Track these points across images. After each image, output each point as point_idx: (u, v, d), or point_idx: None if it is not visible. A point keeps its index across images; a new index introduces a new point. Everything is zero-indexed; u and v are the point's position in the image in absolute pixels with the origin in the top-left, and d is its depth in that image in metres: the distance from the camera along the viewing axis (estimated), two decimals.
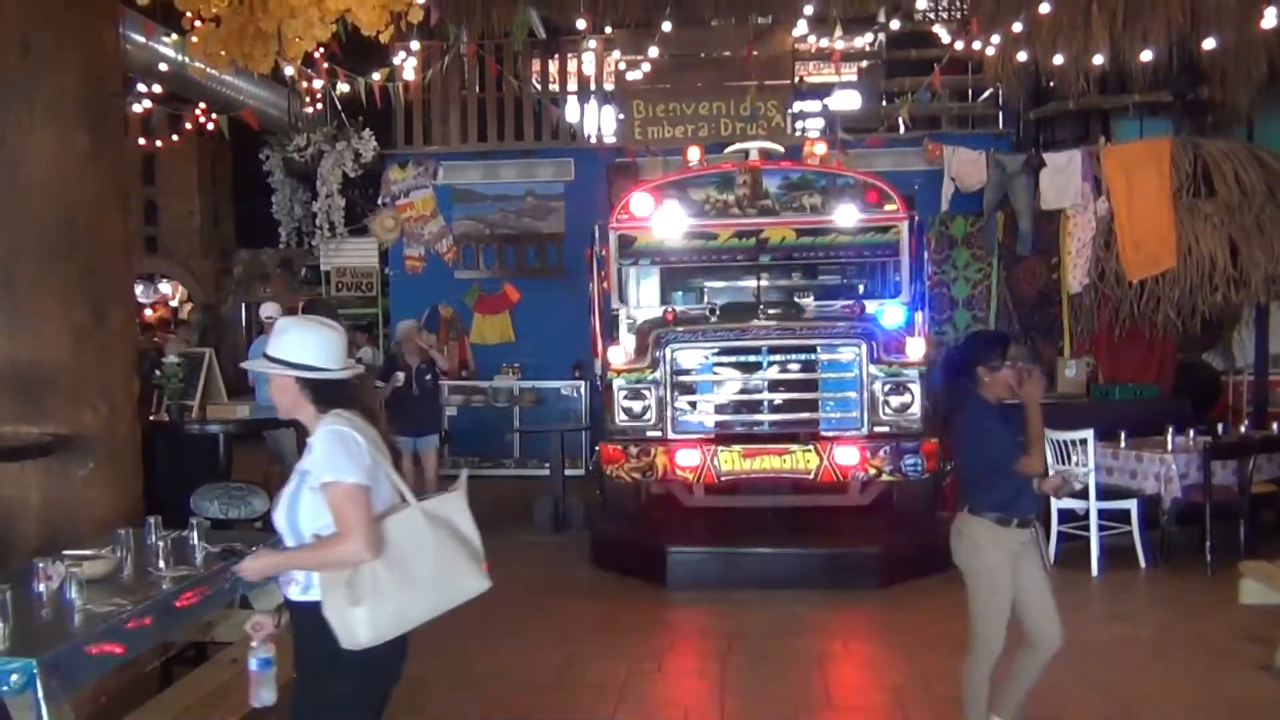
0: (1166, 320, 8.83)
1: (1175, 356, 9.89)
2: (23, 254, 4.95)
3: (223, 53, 5.85)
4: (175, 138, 12.71)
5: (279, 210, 12.39)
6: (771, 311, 7.64)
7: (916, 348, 7.17)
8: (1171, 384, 9.69)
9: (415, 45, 9.68)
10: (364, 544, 2.69)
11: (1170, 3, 9.01)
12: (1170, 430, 7.37)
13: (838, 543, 7.15)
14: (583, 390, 11.27)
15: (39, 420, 4.92)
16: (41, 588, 3.39)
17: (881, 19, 11.77)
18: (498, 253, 12.22)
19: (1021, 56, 9.56)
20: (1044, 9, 8.50)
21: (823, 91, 12.81)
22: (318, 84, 10.18)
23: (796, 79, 12.49)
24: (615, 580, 7.24)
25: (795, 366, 7.14)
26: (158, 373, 7.14)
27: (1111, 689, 4.97)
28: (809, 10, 9.62)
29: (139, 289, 19.15)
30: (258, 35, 5.69)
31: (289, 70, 8.66)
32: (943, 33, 12.00)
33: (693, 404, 7.19)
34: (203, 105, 10.95)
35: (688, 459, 7.03)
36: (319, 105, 11.36)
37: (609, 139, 12.42)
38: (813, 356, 7.10)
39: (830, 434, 7.03)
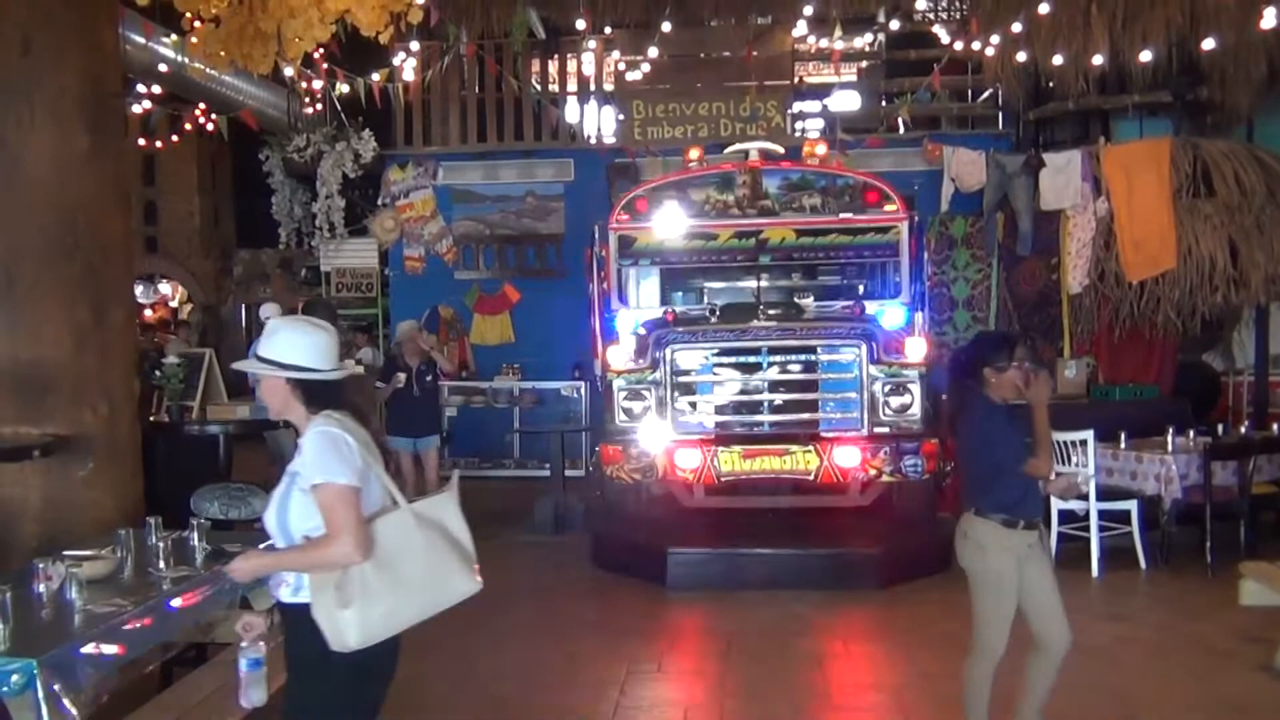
0: (1166, 321, 8.83)
1: (1175, 357, 9.89)
2: (23, 254, 4.96)
3: (222, 53, 5.87)
4: (175, 138, 12.66)
5: (279, 211, 12.39)
6: (771, 312, 7.64)
7: (916, 348, 7.17)
8: (1172, 385, 9.68)
9: (415, 46, 9.67)
10: (353, 545, 2.67)
11: (1170, 3, 9.01)
12: (1170, 431, 7.36)
13: (838, 543, 7.15)
14: (583, 391, 11.27)
15: (39, 420, 4.93)
16: (42, 588, 3.40)
17: (881, 19, 11.77)
18: (497, 253, 12.22)
19: (1021, 57, 9.56)
20: (1043, 9, 8.49)
21: (822, 92, 12.81)
22: (317, 84, 10.17)
23: (796, 79, 12.50)
24: (615, 580, 7.24)
25: (795, 367, 7.14)
26: (158, 373, 7.13)
27: (1112, 689, 4.97)
28: (808, 11, 9.61)
29: (139, 289, 19.15)
30: (257, 36, 5.71)
31: (289, 71, 8.66)
32: (942, 33, 12.02)
33: (693, 404, 7.19)
34: (202, 106, 10.94)
35: (687, 459, 7.03)
36: (319, 106, 11.36)
37: (609, 139, 12.42)
38: (813, 357, 7.10)
39: (830, 435, 7.03)
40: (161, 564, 3.73)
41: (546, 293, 11.71)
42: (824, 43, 12.27)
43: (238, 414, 7.34)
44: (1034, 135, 11.77)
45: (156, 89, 10.59)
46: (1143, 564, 7.17)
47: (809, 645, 5.81)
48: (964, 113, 12.23)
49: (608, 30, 11.72)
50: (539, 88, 12.27)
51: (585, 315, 8.78)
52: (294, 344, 2.88)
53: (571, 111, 12.45)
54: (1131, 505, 7.17)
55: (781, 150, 8.62)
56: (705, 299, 8.53)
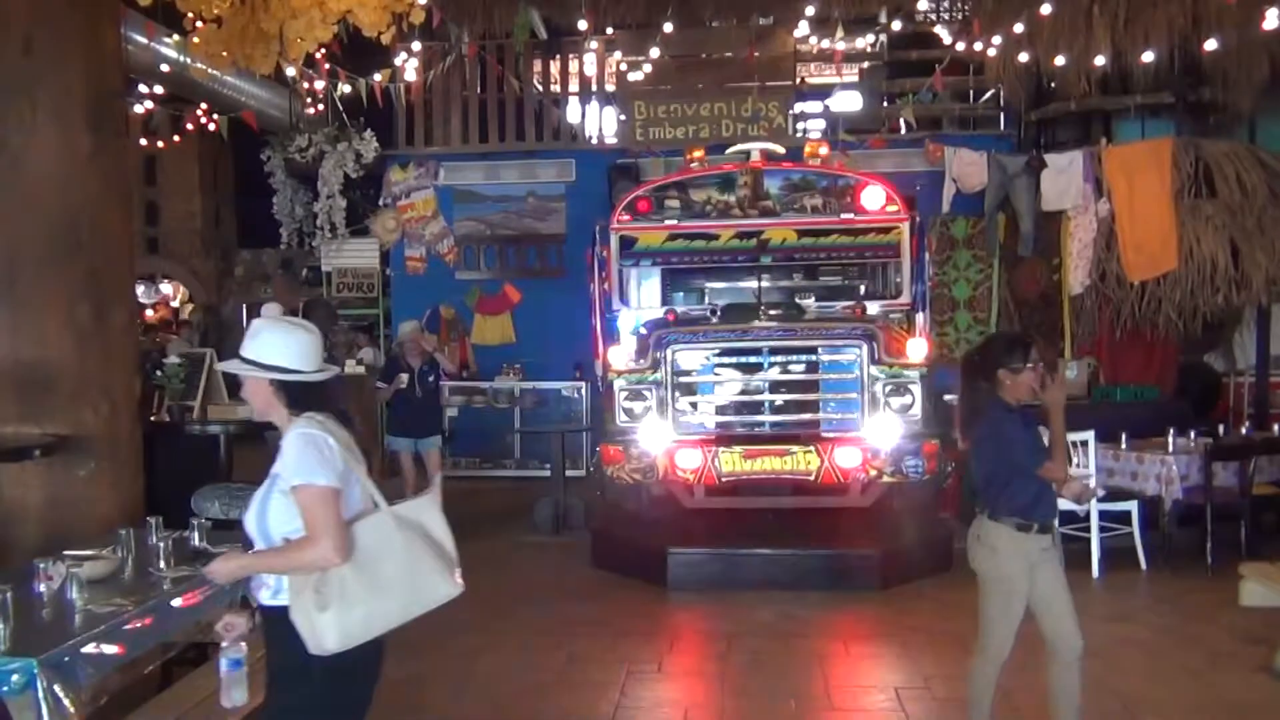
0: (1167, 322, 8.84)
1: (1176, 358, 9.89)
2: (25, 254, 4.97)
3: (224, 53, 5.87)
4: (176, 138, 12.72)
5: (280, 211, 12.38)
6: (773, 312, 7.64)
7: (918, 349, 7.17)
8: (1173, 385, 9.69)
9: (417, 46, 9.69)
10: (332, 548, 2.65)
11: (1171, 4, 9.02)
12: (1171, 432, 7.36)
13: (838, 544, 7.14)
14: (584, 391, 11.27)
15: (40, 420, 4.93)
16: (42, 588, 3.40)
17: (883, 20, 11.76)
18: (499, 253, 12.23)
19: (1023, 58, 9.56)
20: (1045, 10, 8.50)
21: (824, 92, 12.81)
22: (319, 85, 10.19)
23: (798, 80, 12.50)
24: (616, 581, 7.24)
25: (796, 367, 7.14)
26: (159, 373, 7.13)
27: (1112, 690, 4.96)
28: (810, 11, 9.62)
29: (140, 289, 19.14)
30: (259, 36, 5.71)
31: (290, 71, 8.66)
32: (944, 34, 12.01)
33: (694, 405, 7.19)
34: (204, 106, 10.95)
35: (688, 460, 7.03)
36: (320, 106, 11.36)
37: (610, 140, 12.43)
38: (814, 357, 7.09)
39: (831, 435, 7.03)
40: (162, 564, 3.73)
41: (547, 293, 11.71)
42: (826, 43, 12.26)
43: (238, 414, 7.33)
44: (1035, 136, 11.78)
45: (158, 89, 10.61)
46: (1143, 565, 7.16)
47: (809, 646, 5.80)
48: (966, 113, 12.24)
49: (609, 31, 11.72)
50: (540, 88, 12.28)
51: (586, 315, 8.78)
52: (277, 345, 2.86)
53: (573, 112, 12.46)
54: (1132, 506, 7.17)
55: (783, 151, 8.62)
56: (706, 299, 8.54)
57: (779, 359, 7.12)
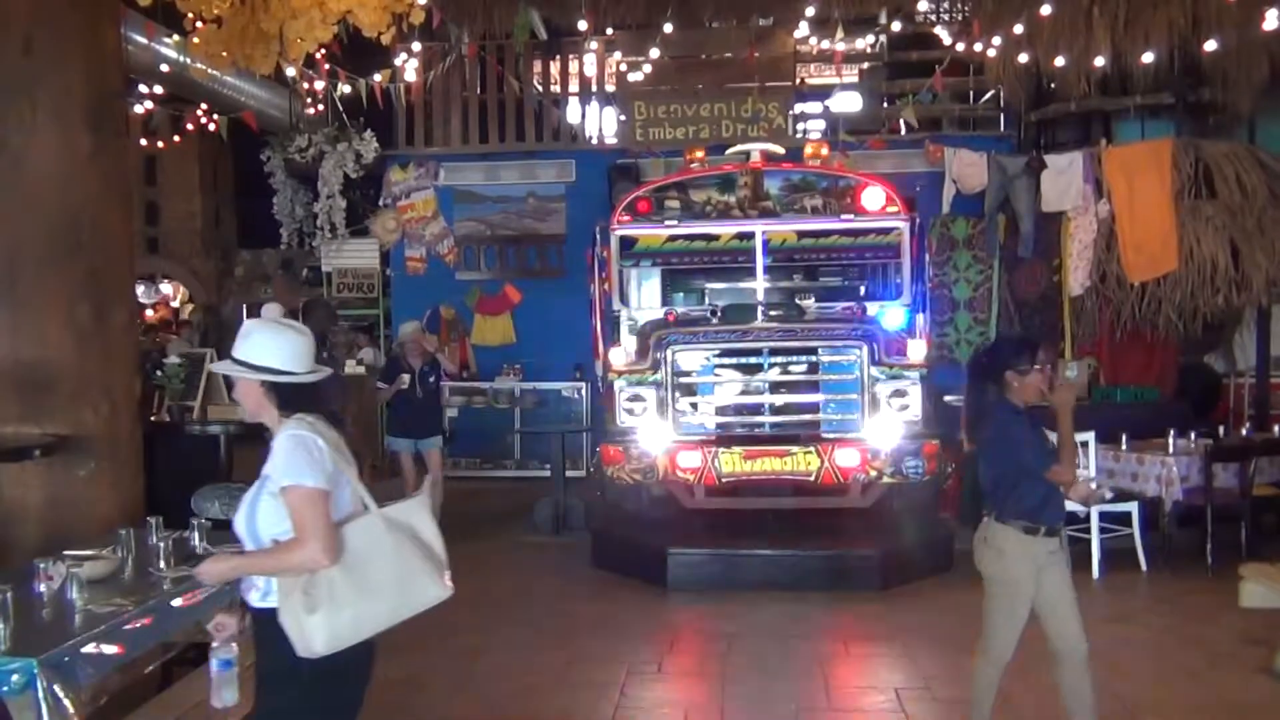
0: (1168, 322, 8.83)
1: (1176, 359, 9.89)
2: (25, 254, 4.96)
3: (224, 53, 5.87)
4: (177, 138, 12.72)
5: (280, 211, 12.39)
6: (773, 313, 7.64)
7: (918, 349, 7.17)
8: (1173, 386, 9.69)
9: (417, 46, 9.69)
10: (321, 549, 2.63)
11: (1171, 4, 9.02)
12: (1171, 433, 7.35)
13: (838, 544, 7.15)
14: (584, 392, 11.27)
15: (40, 420, 4.93)
16: (42, 588, 3.40)
17: (883, 21, 11.77)
18: (499, 254, 12.23)
19: (1023, 58, 9.56)
20: (1045, 11, 8.50)
21: (824, 93, 12.82)
22: (319, 85, 10.19)
23: (798, 81, 12.50)
24: (616, 581, 7.24)
25: (796, 368, 7.14)
26: (159, 373, 7.13)
27: (1112, 691, 4.95)
28: (810, 12, 9.62)
29: (140, 290, 19.14)
30: (259, 36, 5.71)
31: (290, 71, 8.67)
32: (944, 35, 12.01)
33: (694, 405, 7.19)
34: (204, 106, 10.95)
35: (688, 460, 7.03)
36: (320, 106, 11.36)
37: (610, 140, 12.43)
38: (814, 358, 7.09)
39: (831, 436, 7.02)
40: (162, 564, 3.73)
41: (548, 293, 11.71)
42: (826, 44, 12.27)
43: (239, 414, 7.30)
44: (1035, 137, 11.78)
45: (158, 89, 10.61)
46: (1143, 565, 7.16)
47: (809, 646, 5.80)
48: (965, 114, 12.24)
49: (609, 31, 11.73)
50: (540, 89, 12.28)
51: (586, 316, 8.78)
52: (268, 346, 2.85)
53: (573, 112, 12.46)
54: (1132, 507, 7.17)
55: (783, 151, 8.63)
56: (706, 300, 8.53)
57: (779, 360, 7.12)
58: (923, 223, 8.22)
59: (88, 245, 5.04)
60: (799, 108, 12.46)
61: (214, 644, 3.00)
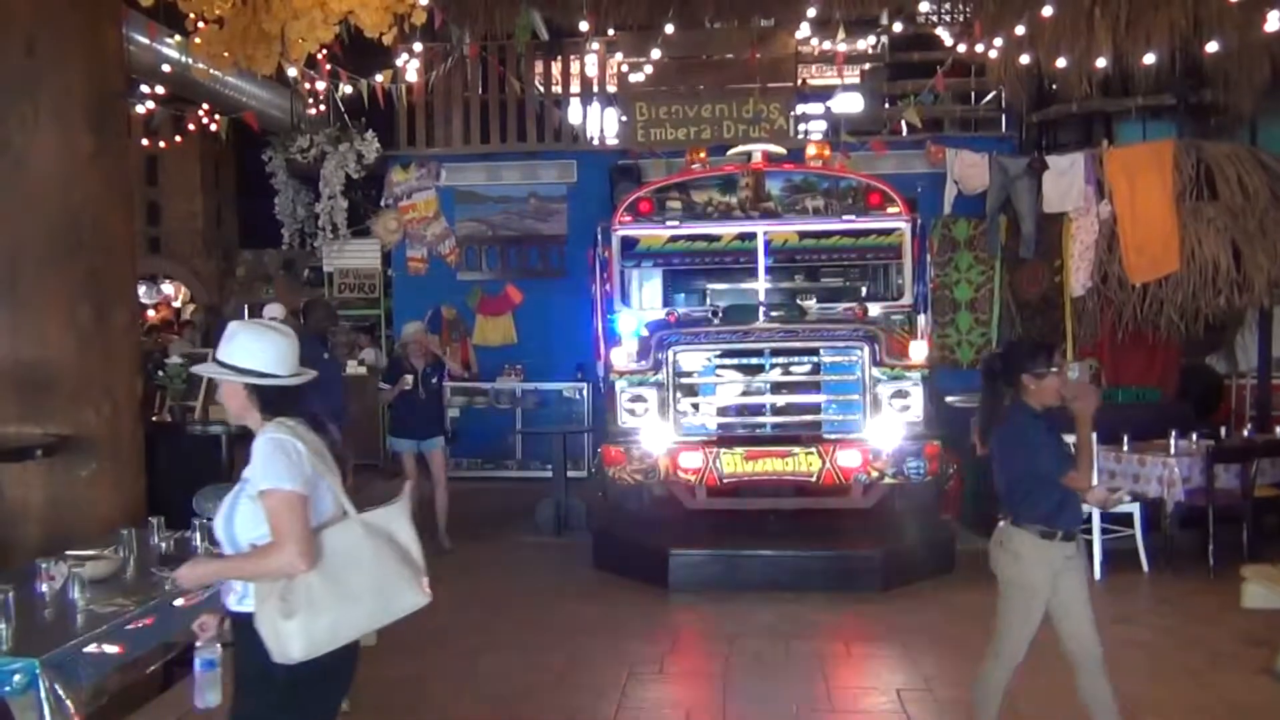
0: (1169, 324, 8.82)
1: (1178, 360, 9.88)
2: (27, 253, 4.97)
3: (226, 54, 5.87)
4: (178, 139, 12.71)
5: (281, 211, 12.39)
6: (774, 314, 7.64)
7: (919, 350, 7.17)
8: (1174, 387, 9.68)
9: (418, 47, 9.68)
10: (298, 554, 2.61)
11: (1173, 6, 9.01)
12: (1173, 434, 7.34)
13: (840, 545, 7.15)
14: (585, 392, 11.26)
15: (42, 420, 4.93)
16: (44, 588, 3.40)
17: (884, 22, 11.77)
18: (500, 254, 12.22)
19: (1024, 59, 9.56)
20: (1047, 12, 8.49)
21: (825, 94, 12.82)
22: (321, 85, 10.19)
23: (799, 81, 12.49)
24: (617, 582, 7.23)
25: (798, 369, 7.14)
26: (160, 373, 7.14)
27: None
28: (812, 13, 9.61)
29: (142, 290, 19.13)
30: (261, 36, 5.71)
31: (292, 72, 8.67)
32: (946, 36, 12.01)
33: (695, 406, 7.19)
34: (206, 106, 10.95)
35: (690, 461, 7.03)
36: (322, 106, 11.37)
37: (612, 141, 12.43)
38: (815, 359, 7.09)
39: (833, 436, 7.02)
40: (163, 564, 3.73)
41: (549, 294, 11.72)
42: (827, 45, 12.26)
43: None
44: (1037, 138, 11.77)
45: (160, 89, 10.61)
46: (1145, 566, 7.16)
47: (810, 647, 5.80)
48: (967, 115, 12.24)
49: (611, 32, 11.71)
50: (542, 89, 12.28)
51: (588, 316, 8.78)
52: (251, 349, 2.83)
53: (574, 113, 12.46)
54: (1134, 508, 7.16)
55: (784, 152, 8.63)
56: (708, 300, 8.53)
57: (780, 360, 7.12)
58: (924, 223, 8.22)
59: (89, 245, 5.05)
60: (800, 108, 12.46)
61: (197, 644, 2.99)
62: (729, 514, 7.44)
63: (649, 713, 4.97)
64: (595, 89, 12.51)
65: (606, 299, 8.17)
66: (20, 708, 2.84)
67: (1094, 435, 3.94)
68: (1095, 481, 6.20)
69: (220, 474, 6.43)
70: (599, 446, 7.69)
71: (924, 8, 12.06)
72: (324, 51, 7.05)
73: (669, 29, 10.01)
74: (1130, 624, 6.12)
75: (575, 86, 12.48)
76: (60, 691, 2.87)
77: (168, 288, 22.07)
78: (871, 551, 7.04)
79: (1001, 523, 3.97)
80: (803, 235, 8.00)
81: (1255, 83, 9.69)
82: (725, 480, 7.02)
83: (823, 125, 12.69)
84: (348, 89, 9.86)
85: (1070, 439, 3.96)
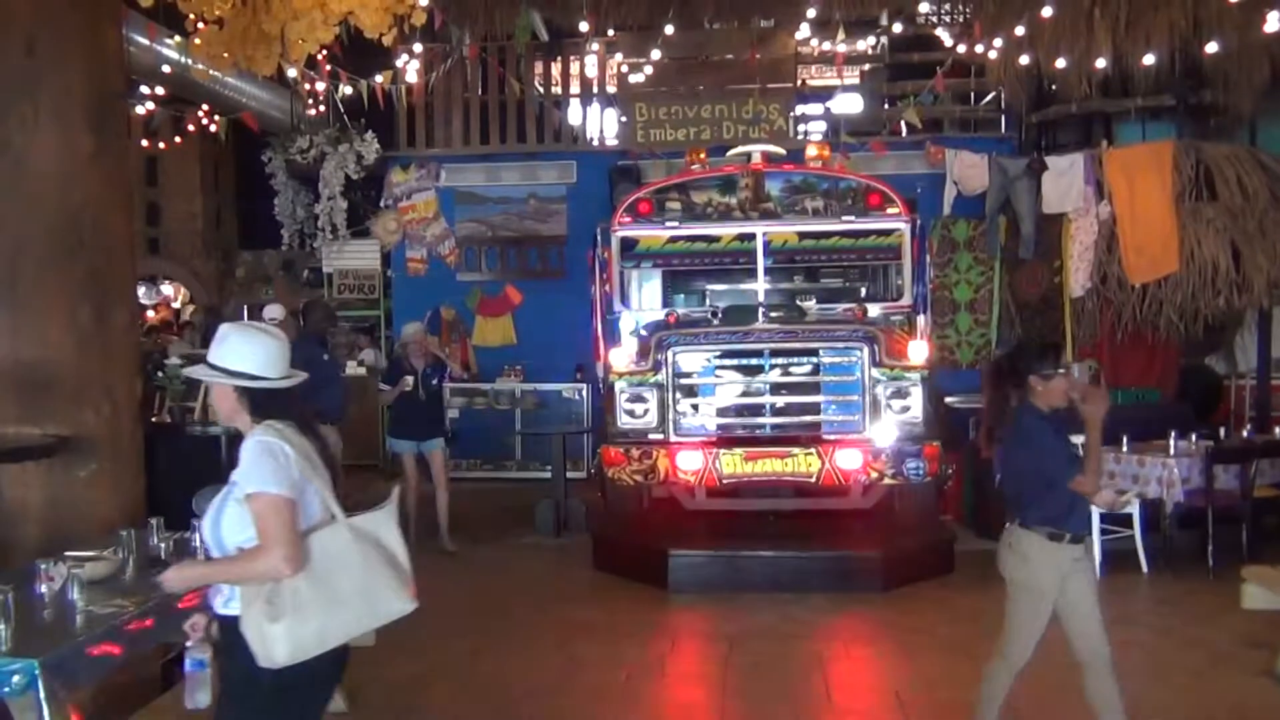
0: (1169, 324, 8.83)
1: (1178, 360, 9.88)
2: (26, 254, 4.96)
3: (225, 55, 5.87)
4: (178, 139, 12.71)
5: (281, 212, 12.39)
6: (774, 314, 7.64)
7: (919, 351, 7.17)
8: (1174, 388, 9.68)
9: (418, 48, 9.68)
10: (283, 558, 2.59)
11: (1172, 6, 9.02)
12: (1173, 434, 7.34)
13: (839, 546, 7.14)
14: (585, 393, 11.26)
15: (41, 421, 4.92)
16: (43, 589, 3.40)
17: (884, 22, 11.77)
18: (500, 255, 12.23)
19: (1024, 60, 9.56)
20: (1046, 13, 8.49)
21: (825, 95, 12.82)
22: (320, 86, 10.19)
23: (799, 82, 12.49)
24: (617, 583, 7.23)
25: (797, 369, 7.14)
26: (160, 374, 7.14)
27: None
28: (811, 13, 9.62)
29: (141, 291, 19.12)
30: (261, 37, 5.71)
31: (292, 72, 8.67)
32: (945, 36, 12.02)
33: (695, 406, 7.19)
34: (205, 107, 10.95)
35: (689, 462, 7.02)
36: (321, 107, 11.36)
37: (611, 142, 12.44)
38: (815, 359, 7.10)
39: (832, 437, 7.02)
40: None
41: (549, 294, 11.71)
42: (827, 46, 12.27)
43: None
44: (1036, 138, 11.77)
45: (160, 90, 10.61)
46: (1144, 567, 7.16)
47: (810, 648, 5.80)
48: (966, 116, 12.24)
49: (610, 32, 11.72)
50: (541, 90, 12.28)
51: (587, 317, 8.78)
52: (242, 351, 2.83)
53: (574, 114, 12.46)
54: (1134, 508, 7.16)
55: (784, 153, 8.63)
56: (707, 301, 8.53)
57: (780, 361, 7.13)
58: (924, 224, 8.23)
59: (89, 246, 5.04)
60: (800, 109, 12.45)
61: (188, 644, 2.98)
62: (729, 515, 7.44)
63: (649, 713, 4.97)
64: (595, 90, 12.51)
65: (606, 300, 8.18)
66: (20, 708, 2.84)
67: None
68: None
69: (220, 475, 6.39)
70: (598, 447, 7.69)
71: (924, 8, 12.06)
72: (324, 52, 7.05)
73: (669, 29, 10.01)
74: (1129, 625, 6.11)
75: (575, 87, 12.48)
76: (60, 692, 2.87)
77: (167, 288, 22.05)
78: (871, 552, 7.04)
79: (1009, 524, 3.96)
80: (802, 236, 8.00)
81: (1255, 83, 9.70)
82: (725, 481, 7.02)
83: (822, 126, 12.69)
84: (347, 90, 9.86)
85: (1077, 440, 3.95)
